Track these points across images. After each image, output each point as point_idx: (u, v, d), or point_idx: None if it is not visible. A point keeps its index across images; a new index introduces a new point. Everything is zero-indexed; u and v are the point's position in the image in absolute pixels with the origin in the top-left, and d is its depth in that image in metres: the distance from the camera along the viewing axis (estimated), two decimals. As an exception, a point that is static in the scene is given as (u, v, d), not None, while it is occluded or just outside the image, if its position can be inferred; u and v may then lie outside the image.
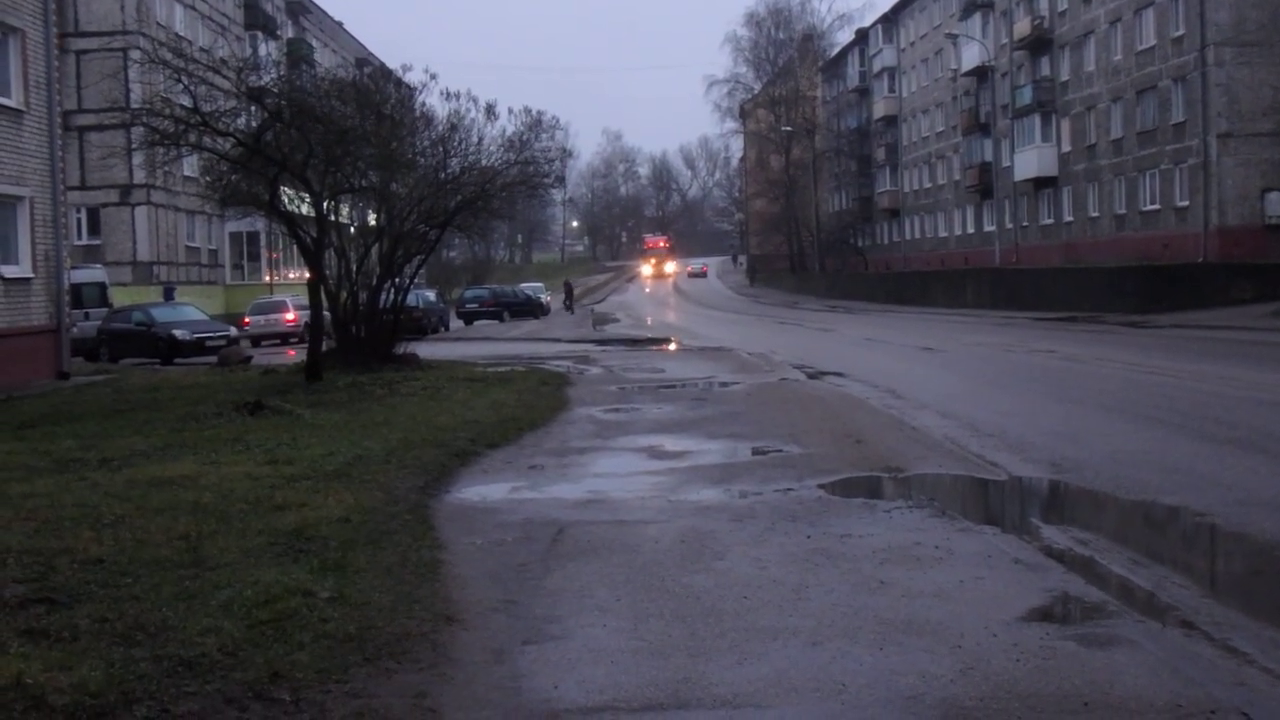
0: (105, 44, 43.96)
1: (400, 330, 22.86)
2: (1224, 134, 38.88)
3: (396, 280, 22.36)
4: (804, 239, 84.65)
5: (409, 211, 22.17)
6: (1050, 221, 52.64)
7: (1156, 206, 43.16)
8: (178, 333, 30.12)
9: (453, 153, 22.56)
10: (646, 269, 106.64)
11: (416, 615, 5.63)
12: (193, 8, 49.38)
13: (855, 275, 73.58)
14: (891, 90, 75.53)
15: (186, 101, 18.39)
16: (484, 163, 22.82)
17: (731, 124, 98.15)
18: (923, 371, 19.50)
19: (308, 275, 20.70)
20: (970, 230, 62.95)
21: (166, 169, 33.62)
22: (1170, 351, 21.22)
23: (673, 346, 29.77)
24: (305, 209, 21.33)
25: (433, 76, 22.71)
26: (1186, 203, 40.92)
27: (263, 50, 46.56)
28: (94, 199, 44.95)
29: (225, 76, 18.94)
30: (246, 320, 38.23)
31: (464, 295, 56.78)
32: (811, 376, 18.88)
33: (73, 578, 6.20)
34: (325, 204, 20.28)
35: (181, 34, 43.49)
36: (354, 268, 21.93)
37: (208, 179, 22.36)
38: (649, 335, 35.59)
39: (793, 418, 13.46)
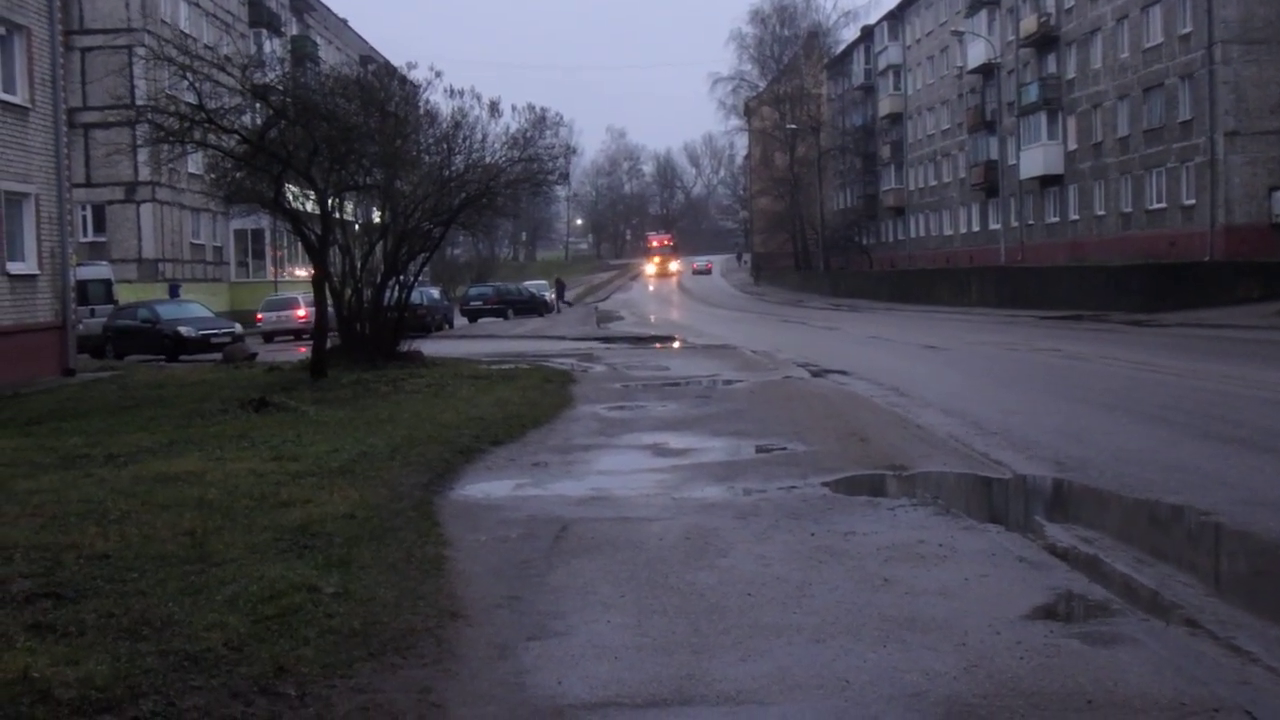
0: (110, 41, 44.02)
1: (404, 328, 22.88)
2: (1231, 132, 38.80)
3: (401, 278, 22.37)
4: (809, 237, 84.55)
5: (413, 209, 22.18)
6: (1056, 220, 52.56)
7: (1163, 205, 43.09)
8: (183, 330, 30.17)
9: (457, 150, 22.57)
10: (650, 268, 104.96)
11: (421, 611, 5.65)
12: (197, 5, 49.41)
13: (860, 273, 73.54)
14: (897, 88, 75.42)
15: (191, 99, 18.40)
16: (488, 160, 22.82)
17: (736, 121, 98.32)
18: (927, 370, 19.48)
19: (312, 272, 20.71)
20: (975, 228, 62.87)
21: (171, 166, 33.79)
22: (1175, 350, 21.19)
23: (676, 344, 29.77)
24: (310, 206, 21.35)
25: (437, 74, 22.66)
26: (1193, 201, 40.86)
27: (267, 47, 46.53)
28: (99, 196, 45.01)
29: (230, 74, 18.94)
30: (260, 316, 38.77)
31: (468, 293, 56.83)
32: (815, 374, 18.87)
33: (79, 573, 6.22)
34: (330, 201, 20.30)
35: (186, 31, 43.50)
36: (358, 265, 21.95)
37: (213, 176, 22.39)
38: (653, 333, 35.59)
39: (797, 415, 13.46)
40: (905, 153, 74.93)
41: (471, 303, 53.99)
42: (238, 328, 31.91)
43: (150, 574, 6.19)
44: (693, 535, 7.31)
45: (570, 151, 27.96)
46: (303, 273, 49.24)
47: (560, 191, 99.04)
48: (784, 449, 10.92)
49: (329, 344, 20.23)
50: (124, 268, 42.66)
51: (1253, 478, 8.73)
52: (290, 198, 21.22)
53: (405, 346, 22.16)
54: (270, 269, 51.90)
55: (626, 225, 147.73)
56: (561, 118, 24.59)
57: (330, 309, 20.30)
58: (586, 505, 8.47)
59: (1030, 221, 55.17)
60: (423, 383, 17.31)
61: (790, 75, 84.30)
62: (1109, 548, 6.97)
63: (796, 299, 65.76)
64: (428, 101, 23.85)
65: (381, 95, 21.76)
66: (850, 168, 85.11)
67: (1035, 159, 52.14)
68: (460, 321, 49.74)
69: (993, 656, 4.92)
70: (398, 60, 28.41)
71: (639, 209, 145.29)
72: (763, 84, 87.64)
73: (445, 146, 22.54)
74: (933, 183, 69.67)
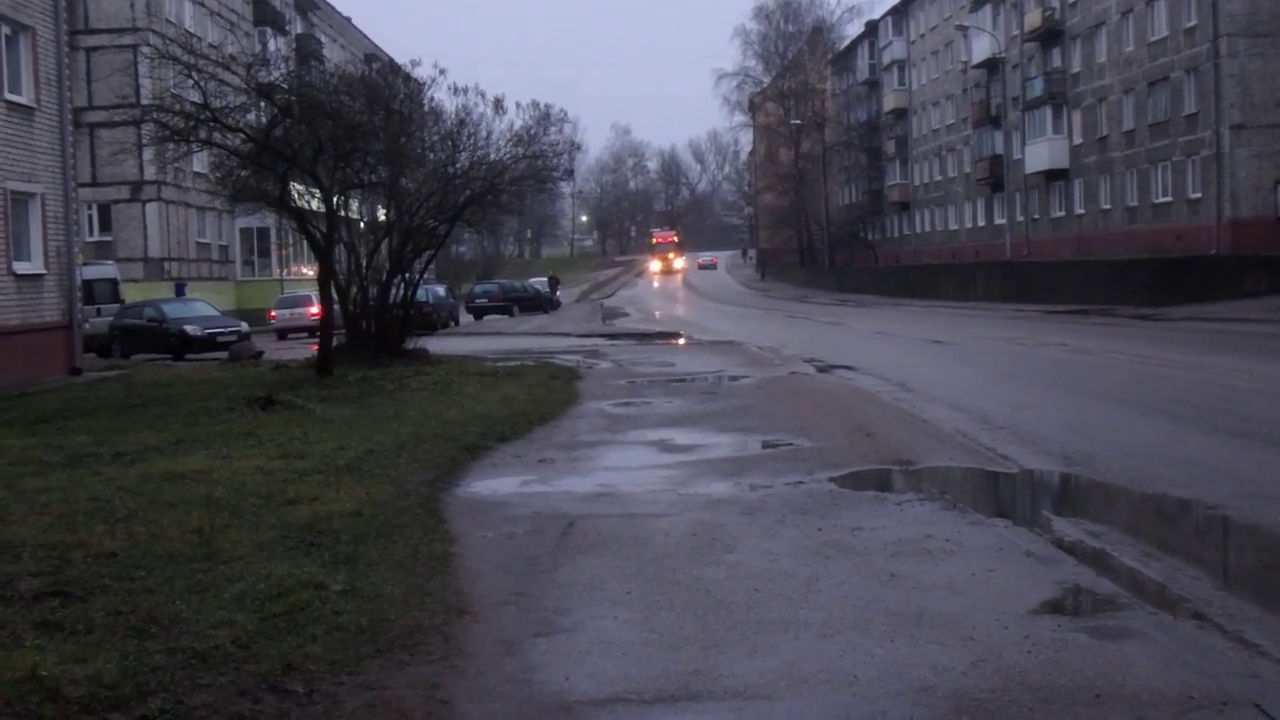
0: (115, 40, 44.13)
1: (410, 325, 22.89)
2: (1237, 125, 38.71)
3: (406, 275, 22.37)
4: (814, 233, 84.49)
5: (418, 206, 22.17)
6: (1061, 214, 52.48)
7: (1168, 198, 43.00)
8: (189, 328, 30.21)
9: (461, 147, 22.53)
10: (655, 264, 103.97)
11: (428, 608, 5.65)
12: (202, 4, 49.47)
13: (865, 269, 73.44)
14: (901, 83, 75.32)
15: (196, 97, 18.41)
16: (493, 157, 22.78)
17: (741, 118, 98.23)
18: (933, 365, 19.46)
19: (318, 270, 20.73)
20: (981, 223, 62.77)
21: (177, 165, 33.70)
22: (1182, 344, 21.14)
23: (682, 340, 29.76)
24: (315, 204, 21.35)
25: (441, 71, 22.64)
26: (1199, 194, 40.76)
27: (272, 46, 46.47)
28: (105, 195, 45.09)
29: (235, 72, 18.96)
30: (273, 314, 38.93)
31: (474, 290, 56.84)
32: (821, 370, 18.85)
33: (87, 571, 6.23)
34: (335, 199, 20.30)
35: (191, 30, 43.48)
36: (364, 263, 21.94)
37: (218, 175, 22.40)
38: (658, 329, 35.59)
39: (803, 411, 13.45)
40: (910, 148, 74.83)
41: (477, 300, 54.02)
42: (244, 326, 31.94)
43: (158, 572, 6.19)
44: (699, 531, 7.31)
45: (575, 148, 27.89)
46: (308, 270, 49.39)
47: (565, 188, 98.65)
48: (790, 444, 10.91)
49: (335, 342, 20.25)
50: (130, 267, 42.72)
51: (1260, 471, 8.71)
52: (295, 196, 21.22)
53: (411, 344, 22.17)
54: (276, 268, 51.97)
55: (631, 222, 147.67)
56: (566, 114, 24.52)
57: (336, 307, 20.31)
58: (593, 502, 8.47)
59: (1035, 216, 55.08)
60: (428, 380, 17.31)
61: (795, 71, 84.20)
62: (1116, 542, 6.95)
63: (802, 294, 65.70)
64: (432, 99, 23.83)
65: (386, 93, 21.74)
66: (855, 163, 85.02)
67: (1040, 153, 52.05)
68: (466, 319, 49.78)
69: (1000, 651, 4.91)
70: (401, 58, 28.36)
71: (644, 206, 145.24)
72: (767, 80, 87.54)
73: (450, 144, 22.51)
74: (938, 178, 69.57)
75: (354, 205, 23.91)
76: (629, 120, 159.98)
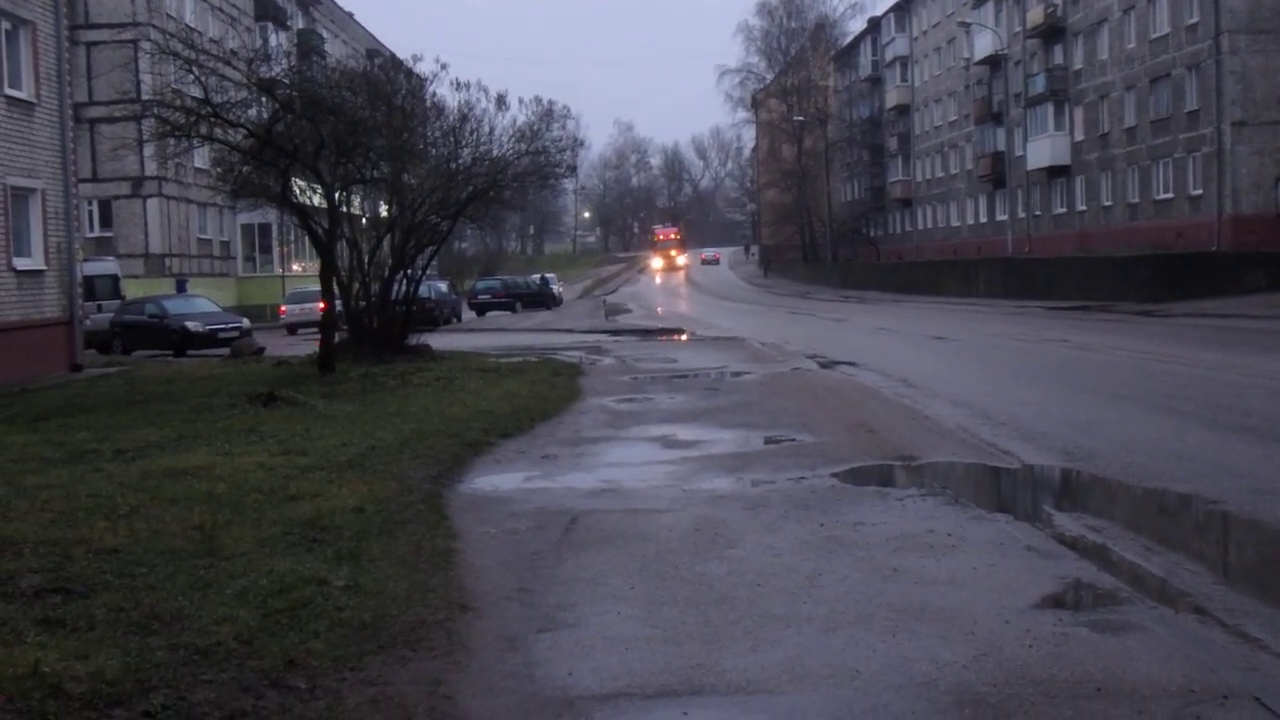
0: (116, 35, 44.11)
1: (412, 321, 22.89)
2: (1238, 122, 38.65)
3: (408, 271, 22.37)
4: (816, 229, 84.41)
5: (420, 202, 22.17)
6: (1063, 210, 52.44)
7: (1170, 195, 42.96)
8: (190, 325, 30.21)
9: (464, 143, 22.53)
10: (657, 261, 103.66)
11: (431, 604, 5.65)
12: (203, -1, 49.46)
13: (868, 265, 73.37)
14: (904, 79, 75.24)
15: (197, 93, 18.40)
16: (495, 153, 22.78)
17: (743, 114, 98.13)
18: (935, 361, 19.47)
19: (320, 267, 20.72)
20: (983, 220, 62.73)
21: (178, 161, 33.79)
22: (1183, 340, 21.14)
23: (684, 337, 29.76)
24: (317, 200, 21.34)
25: (443, 67, 22.63)
26: (1200, 191, 40.72)
27: (273, 41, 46.50)
28: (105, 191, 45.09)
29: (236, 68, 18.94)
30: (283, 309, 39.11)
31: (476, 286, 56.84)
32: (824, 366, 18.86)
33: (88, 568, 6.24)
34: (337, 195, 20.30)
35: (192, 25, 43.53)
36: (366, 259, 21.95)
37: (219, 170, 22.41)
38: (661, 326, 35.61)
39: (805, 407, 13.45)
40: (912, 144, 74.76)
41: (479, 296, 54.03)
42: (245, 322, 31.96)
43: (160, 568, 6.20)
44: (702, 526, 7.32)
45: (578, 144, 27.78)
46: (297, 267, 49.48)
47: (568, 185, 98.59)
48: (793, 440, 10.91)
49: (337, 338, 20.25)
50: (131, 263, 42.73)
51: (1261, 466, 8.72)
52: (297, 192, 21.22)
53: (413, 340, 22.17)
54: (278, 264, 51.97)
55: (634, 218, 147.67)
56: (569, 110, 24.52)
57: (338, 303, 20.31)
58: (596, 497, 8.47)
59: (1037, 212, 55.04)
60: (431, 376, 17.30)
61: (797, 67, 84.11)
62: (1117, 536, 6.96)
63: (804, 291, 65.69)
64: (434, 94, 23.85)
65: (388, 88, 21.74)
66: (857, 160, 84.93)
67: (1042, 150, 52.01)
68: (468, 315, 49.76)
69: (1002, 645, 4.92)
70: (403, 53, 28.36)
71: (647, 202, 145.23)
72: (770, 76, 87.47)
73: (452, 139, 22.51)
74: (940, 174, 69.51)
75: (356, 201, 23.91)
76: (632, 117, 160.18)
